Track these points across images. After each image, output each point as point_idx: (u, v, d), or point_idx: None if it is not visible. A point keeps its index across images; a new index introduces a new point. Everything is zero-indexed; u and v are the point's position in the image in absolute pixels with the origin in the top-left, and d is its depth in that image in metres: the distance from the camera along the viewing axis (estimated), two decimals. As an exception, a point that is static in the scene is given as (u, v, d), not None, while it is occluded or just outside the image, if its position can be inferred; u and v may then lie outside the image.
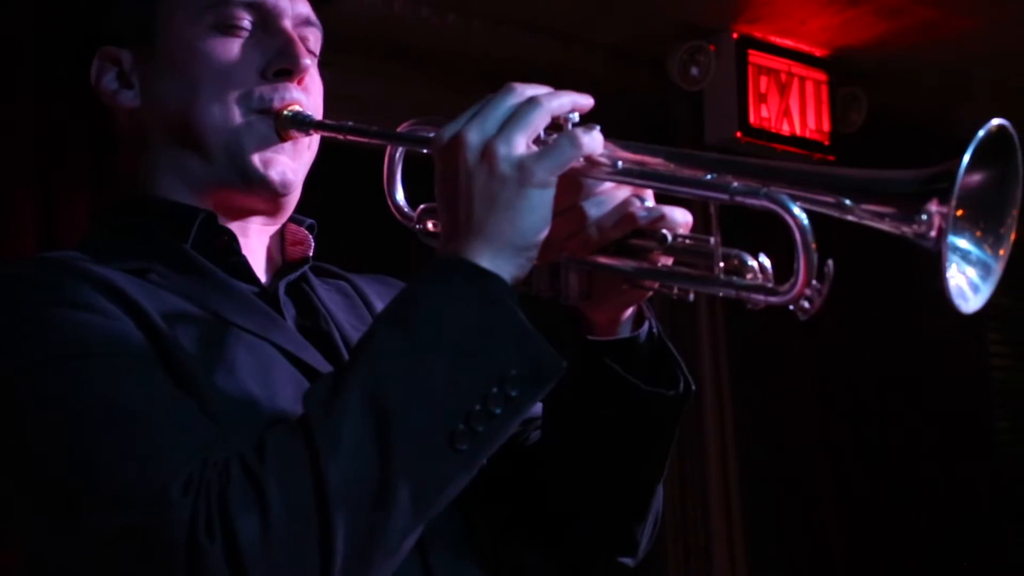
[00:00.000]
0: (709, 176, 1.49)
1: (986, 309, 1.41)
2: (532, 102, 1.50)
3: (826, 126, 5.59)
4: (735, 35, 5.34)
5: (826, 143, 5.59)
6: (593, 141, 1.51)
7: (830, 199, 1.42)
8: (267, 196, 1.79)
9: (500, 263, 1.46)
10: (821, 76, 5.58)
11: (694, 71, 5.33)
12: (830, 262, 1.41)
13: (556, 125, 1.53)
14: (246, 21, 1.78)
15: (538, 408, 1.81)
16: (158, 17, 1.81)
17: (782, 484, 5.65)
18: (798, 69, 5.51)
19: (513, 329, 1.43)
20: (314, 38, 1.86)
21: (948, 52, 5.46)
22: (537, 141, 1.51)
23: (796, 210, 1.40)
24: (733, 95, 5.33)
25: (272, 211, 1.83)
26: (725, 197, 1.45)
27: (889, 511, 5.90)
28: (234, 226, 1.80)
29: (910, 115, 6.01)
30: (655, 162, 1.55)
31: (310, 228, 1.90)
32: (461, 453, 1.40)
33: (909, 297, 4.69)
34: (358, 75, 4.58)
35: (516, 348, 1.42)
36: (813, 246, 1.39)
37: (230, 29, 1.78)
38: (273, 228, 1.86)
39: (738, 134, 5.34)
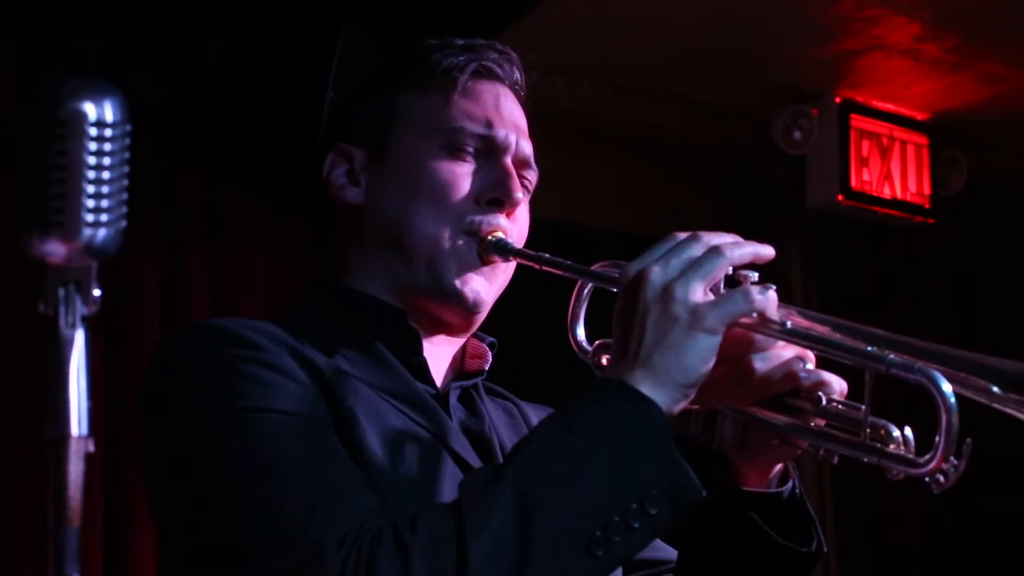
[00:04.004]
0: (870, 348, 1.56)
1: None
2: (715, 251, 1.60)
3: (927, 189, 5.58)
4: (838, 99, 5.35)
5: (927, 206, 5.58)
6: (766, 300, 1.60)
7: (979, 384, 1.49)
8: (458, 311, 1.90)
9: (659, 394, 1.55)
10: (922, 140, 5.58)
11: (797, 135, 5.34)
12: (968, 440, 1.48)
13: (735, 280, 1.63)
14: (472, 148, 1.91)
15: (671, 554, 1.92)
16: (395, 127, 1.95)
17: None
18: (899, 133, 5.51)
19: (662, 453, 1.52)
20: (531, 177, 1.99)
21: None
22: (716, 289, 1.61)
23: (945, 388, 1.47)
24: (835, 159, 5.35)
25: (459, 325, 1.94)
26: (881, 368, 1.53)
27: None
28: (421, 330, 1.91)
29: (1012, 178, 5.98)
30: (821, 328, 1.63)
31: (491, 345, 2.01)
32: (594, 558, 1.48)
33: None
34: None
35: (662, 470, 1.51)
36: (956, 425, 1.46)
37: (457, 152, 1.91)
38: (456, 340, 1.97)
39: (840, 197, 5.36)
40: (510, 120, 1.95)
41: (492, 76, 1.97)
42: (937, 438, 1.47)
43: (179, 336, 1.84)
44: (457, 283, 1.87)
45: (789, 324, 1.61)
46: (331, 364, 1.76)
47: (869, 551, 5.69)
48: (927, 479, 1.50)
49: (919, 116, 5.56)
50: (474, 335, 2.00)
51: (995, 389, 1.47)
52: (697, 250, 1.60)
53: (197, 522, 1.63)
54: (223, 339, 1.70)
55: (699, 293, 1.57)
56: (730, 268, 1.62)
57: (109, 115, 1.13)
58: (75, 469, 1.12)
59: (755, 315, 1.60)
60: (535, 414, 2.05)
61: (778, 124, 5.35)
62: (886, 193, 5.49)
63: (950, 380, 1.47)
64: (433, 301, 1.89)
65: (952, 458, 1.47)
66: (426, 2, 4.09)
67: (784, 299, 5.33)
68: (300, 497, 1.54)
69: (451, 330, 1.94)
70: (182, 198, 4.32)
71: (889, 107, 5.47)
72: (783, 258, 5.81)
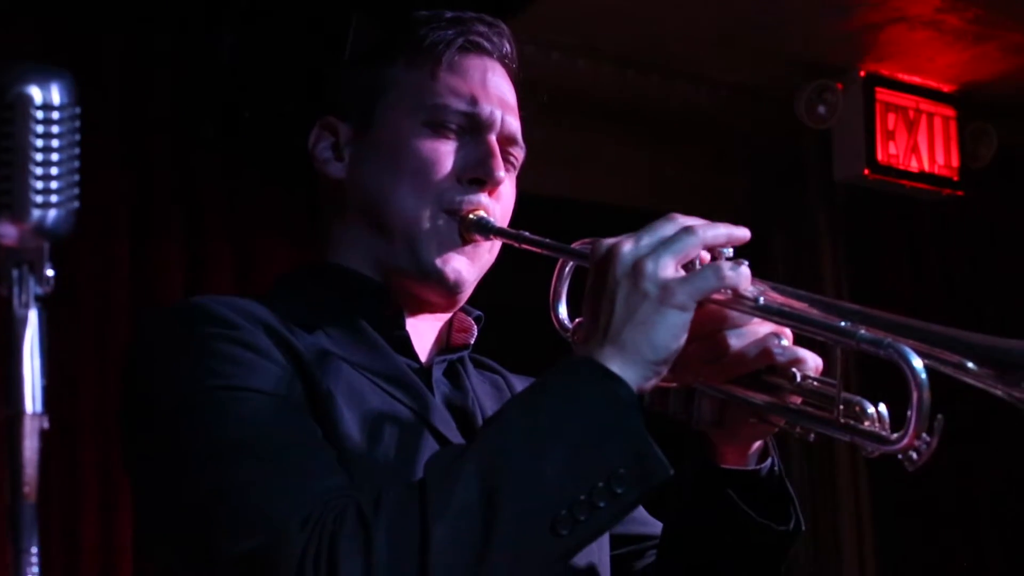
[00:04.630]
0: (842, 324, 1.54)
1: None
2: (688, 230, 1.58)
3: (955, 162, 5.54)
4: (862, 73, 5.32)
5: (955, 179, 5.53)
6: (738, 276, 1.57)
7: (953, 359, 1.47)
8: (440, 291, 1.88)
9: (628, 371, 1.53)
10: (949, 112, 5.53)
11: (821, 110, 5.32)
12: (940, 417, 1.46)
13: (713, 257, 1.61)
14: (455, 125, 1.88)
15: (657, 528, 1.91)
16: (380, 102, 1.92)
17: None
18: (926, 105, 5.47)
19: (629, 431, 1.50)
20: (517, 154, 1.96)
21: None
22: (688, 267, 1.59)
23: (916, 364, 1.46)
24: (861, 133, 5.33)
25: (442, 304, 1.92)
26: (852, 343, 1.52)
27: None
28: (404, 306, 1.90)
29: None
30: (797, 305, 1.61)
31: (477, 319, 2.00)
32: (560, 538, 1.46)
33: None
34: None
35: (629, 448, 1.49)
36: (928, 401, 1.45)
37: (440, 129, 1.88)
38: (440, 317, 1.96)
39: (866, 171, 5.33)
40: (496, 96, 1.91)
41: (480, 50, 1.93)
42: (908, 414, 1.45)
43: (154, 316, 1.83)
44: (438, 263, 1.85)
45: (762, 300, 1.58)
46: (311, 343, 1.74)
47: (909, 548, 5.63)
48: (900, 456, 1.48)
49: (945, 88, 5.52)
50: (461, 309, 1.98)
51: (969, 364, 1.45)
52: (670, 229, 1.58)
53: (166, 502, 1.63)
54: (197, 318, 1.69)
55: (670, 269, 1.55)
56: (701, 247, 1.59)
57: (56, 98, 1.15)
58: (30, 446, 1.14)
59: (727, 291, 1.58)
60: (521, 385, 2.01)
61: (802, 99, 5.33)
62: (913, 166, 5.46)
63: (924, 356, 1.46)
64: (414, 281, 1.87)
65: (924, 435, 1.46)
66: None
67: (814, 275, 5.38)
68: (267, 477, 1.53)
69: (433, 308, 1.93)
70: (203, 188, 4.36)
71: (915, 80, 5.43)
72: (812, 233, 5.79)
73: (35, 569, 1.12)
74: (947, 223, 5.79)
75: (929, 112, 5.48)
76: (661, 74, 5.25)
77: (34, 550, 1.13)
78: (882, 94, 5.36)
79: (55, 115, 1.15)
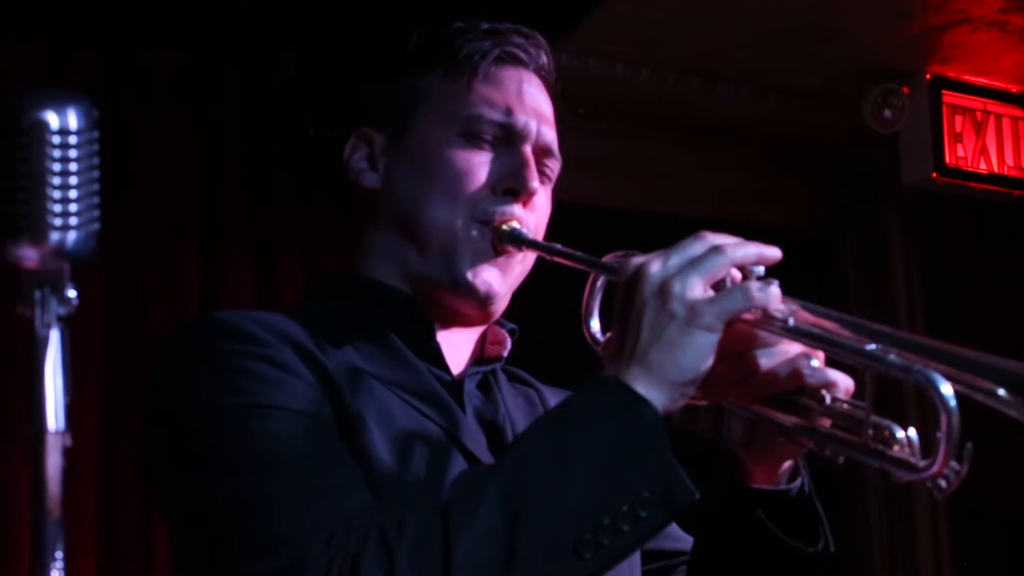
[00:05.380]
0: (871, 346, 1.51)
1: None
2: (716, 250, 1.55)
3: (1025, 162, 5.46)
4: (928, 76, 5.25)
5: (1026, 179, 5.46)
6: (767, 296, 1.55)
7: (984, 386, 1.42)
8: (471, 303, 1.87)
9: (655, 392, 1.51)
10: (1018, 112, 5.46)
11: (887, 114, 5.26)
12: (969, 445, 1.42)
13: (744, 276, 1.58)
14: (490, 136, 1.87)
15: (689, 544, 1.89)
16: (416, 112, 1.92)
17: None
18: (993, 107, 5.40)
19: (654, 454, 1.48)
20: (552, 165, 1.94)
21: None
22: (718, 287, 1.56)
23: (945, 391, 1.42)
24: (928, 136, 5.26)
25: (475, 317, 1.91)
26: (882, 368, 1.48)
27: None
28: (436, 318, 1.89)
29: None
30: (828, 325, 1.58)
31: (511, 332, 1.98)
32: (583, 562, 1.44)
33: None
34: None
35: (653, 472, 1.47)
36: (957, 428, 1.41)
37: (475, 140, 1.87)
38: (474, 330, 1.95)
39: (934, 175, 5.26)
40: (532, 107, 1.90)
41: (516, 61, 1.92)
42: (938, 443, 1.41)
43: (178, 331, 1.81)
44: (469, 275, 1.83)
45: (791, 321, 1.56)
46: (340, 360, 1.73)
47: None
48: (929, 484, 1.45)
49: (1013, 88, 5.43)
50: (495, 322, 1.96)
51: (1000, 392, 1.40)
52: (698, 248, 1.56)
53: (191, 519, 1.63)
54: (222, 333, 1.68)
55: (697, 290, 1.52)
56: (730, 267, 1.56)
57: (73, 123, 1.16)
58: (53, 462, 1.16)
59: (756, 311, 1.55)
60: (555, 398, 2.00)
61: (868, 104, 5.28)
62: (982, 168, 5.37)
63: (955, 381, 1.42)
64: (446, 292, 1.86)
65: (953, 463, 1.42)
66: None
67: (886, 281, 5.30)
68: (290, 496, 1.53)
69: (466, 320, 1.91)
70: (223, 204, 4.38)
71: (981, 81, 5.35)
72: (882, 239, 5.73)
73: (60, 583, 1.15)
74: (1018, 224, 5.70)
75: (997, 113, 5.40)
76: (727, 82, 5.23)
77: (59, 565, 1.15)
78: (948, 96, 5.29)
79: (72, 139, 1.16)
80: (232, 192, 4.36)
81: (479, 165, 1.86)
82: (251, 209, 4.40)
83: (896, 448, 1.51)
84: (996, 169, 5.40)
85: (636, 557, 1.86)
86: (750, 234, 1.61)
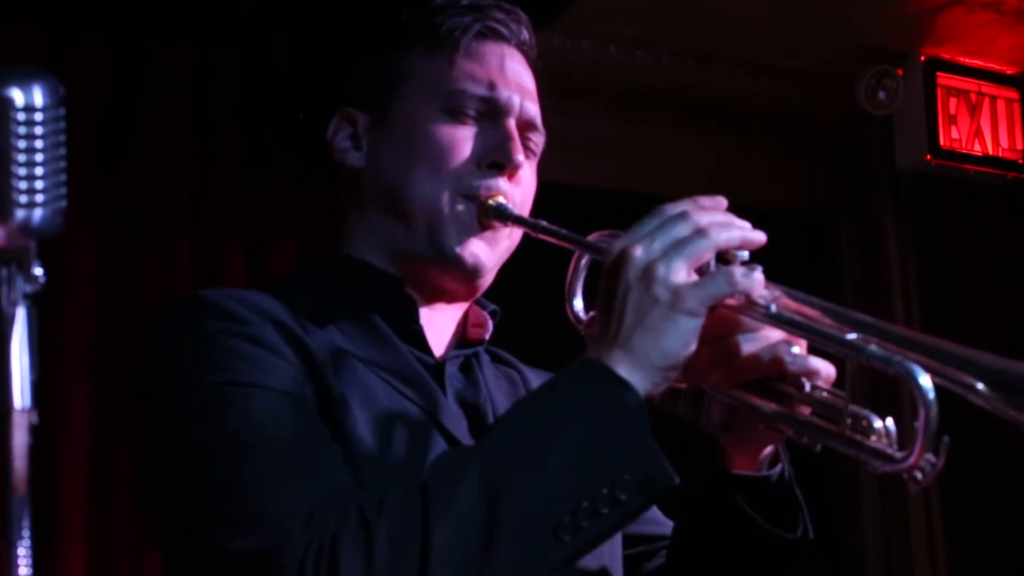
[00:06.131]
0: (851, 336, 1.50)
1: None
2: (701, 233, 1.54)
3: (1020, 144, 5.43)
4: (923, 58, 5.23)
5: (1020, 161, 5.43)
6: (750, 282, 1.54)
7: (963, 379, 1.42)
8: (459, 276, 1.86)
9: (637, 376, 1.51)
10: (1012, 94, 5.43)
11: (882, 95, 5.24)
12: (946, 438, 1.41)
13: (725, 259, 1.57)
14: (473, 111, 1.86)
15: (670, 528, 1.87)
16: (398, 90, 1.90)
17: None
18: (988, 88, 5.37)
19: (634, 437, 1.47)
20: (537, 140, 1.93)
21: None
22: (702, 270, 1.55)
23: (923, 383, 1.41)
24: (922, 118, 5.23)
25: (460, 292, 1.90)
26: (862, 358, 1.47)
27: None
28: (421, 297, 1.88)
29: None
30: (810, 313, 1.56)
31: (492, 313, 1.97)
32: (562, 544, 1.44)
33: None
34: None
35: (634, 455, 1.46)
36: (935, 421, 1.40)
37: (458, 115, 1.86)
38: (458, 307, 1.93)
39: (928, 157, 5.24)
40: (514, 81, 1.89)
41: (497, 36, 1.91)
42: (914, 435, 1.41)
43: (162, 310, 1.80)
44: (457, 248, 1.82)
45: (774, 308, 1.55)
46: (324, 341, 1.72)
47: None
48: (905, 476, 1.44)
49: (1008, 70, 5.41)
50: (476, 302, 1.95)
51: (979, 386, 1.40)
52: (683, 230, 1.54)
53: (171, 496, 1.62)
54: (205, 311, 1.67)
55: (681, 274, 1.52)
56: (714, 251, 1.55)
57: (38, 99, 1.14)
58: (19, 440, 1.16)
59: (739, 297, 1.54)
60: (538, 380, 1.99)
61: (862, 86, 5.25)
62: (977, 150, 5.35)
63: (935, 374, 1.41)
64: (433, 267, 1.85)
65: (930, 455, 1.41)
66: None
67: (880, 262, 5.28)
68: (270, 475, 1.52)
69: (452, 297, 1.90)
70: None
71: (976, 63, 5.32)
72: (878, 221, 5.72)
73: (25, 561, 1.14)
74: (1013, 207, 5.69)
75: (992, 95, 5.37)
76: (721, 63, 5.21)
77: (26, 543, 1.15)
78: (943, 78, 5.25)
79: (37, 116, 1.15)
80: (226, 177, 4.35)
81: (463, 140, 1.85)
82: (245, 194, 4.38)
83: (873, 438, 1.50)
84: (990, 151, 5.38)
85: (617, 540, 1.85)
86: (744, 216, 1.60)
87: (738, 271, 1.54)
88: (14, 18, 4.05)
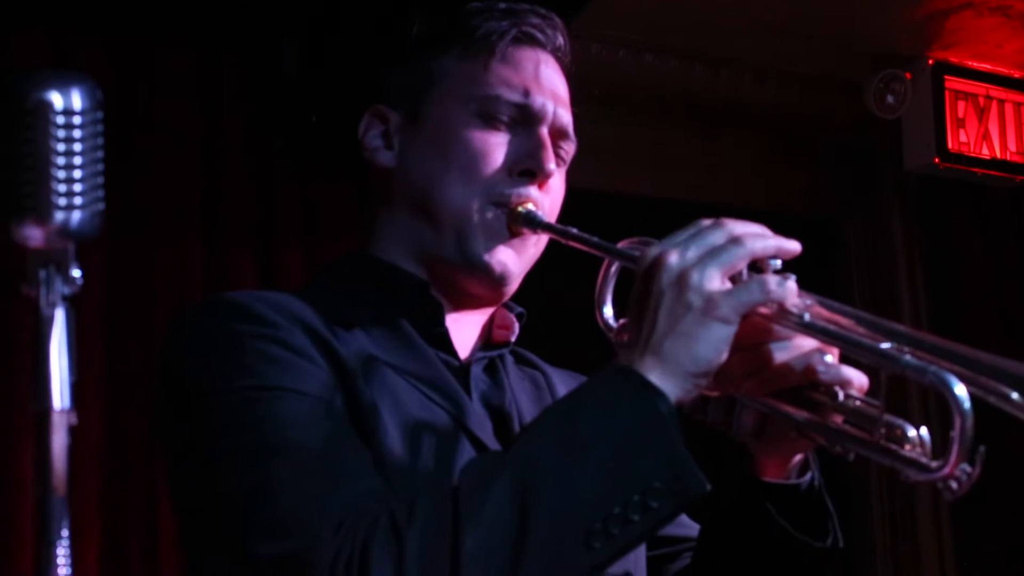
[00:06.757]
0: (886, 345, 1.48)
1: None
2: (736, 241, 1.53)
3: (1028, 147, 5.44)
4: (931, 61, 5.22)
5: (1029, 164, 5.44)
6: (783, 290, 1.52)
7: (998, 389, 1.40)
8: (485, 283, 1.84)
9: (668, 383, 1.49)
10: (1021, 98, 5.41)
11: (890, 99, 5.23)
12: (982, 448, 1.40)
13: (758, 268, 1.56)
14: (507, 117, 1.85)
15: (694, 531, 1.86)
16: (432, 91, 1.89)
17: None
18: (996, 92, 5.35)
19: (666, 445, 1.46)
20: (568, 148, 1.92)
21: None
22: (735, 278, 1.54)
23: (959, 392, 1.39)
24: (930, 122, 5.20)
25: (486, 297, 1.88)
26: (896, 368, 1.46)
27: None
28: (447, 300, 1.86)
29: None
30: (843, 322, 1.55)
31: (519, 316, 1.96)
32: (592, 551, 1.42)
33: None
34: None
35: (665, 463, 1.45)
36: (970, 430, 1.39)
37: (491, 121, 1.84)
38: (484, 312, 1.92)
39: (937, 160, 5.23)
40: (549, 88, 1.88)
41: (533, 42, 1.90)
42: (950, 444, 1.39)
43: (190, 312, 1.79)
44: (485, 255, 1.81)
45: (807, 316, 1.53)
46: (353, 347, 1.70)
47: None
48: (940, 485, 1.42)
49: (1016, 74, 5.40)
50: (503, 305, 1.94)
51: (1014, 396, 1.37)
52: (718, 238, 1.53)
53: (200, 501, 1.62)
54: (233, 314, 1.66)
55: (715, 281, 1.50)
56: (749, 259, 1.54)
57: (77, 103, 1.15)
58: (58, 441, 1.16)
59: (772, 305, 1.52)
60: (562, 382, 1.99)
61: (871, 90, 5.24)
62: (985, 153, 5.33)
63: (968, 383, 1.40)
64: (460, 272, 1.83)
65: (965, 465, 1.40)
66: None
67: (888, 266, 5.26)
68: (301, 480, 1.51)
69: (478, 302, 1.89)
70: (226, 190, 4.35)
71: (984, 66, 5.30)
72: (886, 225, 5.71)
73: (65, 561, 1.15)
74: (1022, 210, 5.68)
75: (999, 99, 5.35)
76: (729, 68, 5.21)
77: (64, 543, 1.15)
78: (951, 82, 5.23)
79: (76, 120, 1.15)
80: (236, 178, 4.34)
81: (495, 146, 1.84)
82: (254, 195, 4.37)
83: (908, 447, 1.49)
84: (998, 155, 5.37)
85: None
86: (752, 220, 1.59)
87: (772, 279, 1.52)
88: (22, 20, 4.05)
